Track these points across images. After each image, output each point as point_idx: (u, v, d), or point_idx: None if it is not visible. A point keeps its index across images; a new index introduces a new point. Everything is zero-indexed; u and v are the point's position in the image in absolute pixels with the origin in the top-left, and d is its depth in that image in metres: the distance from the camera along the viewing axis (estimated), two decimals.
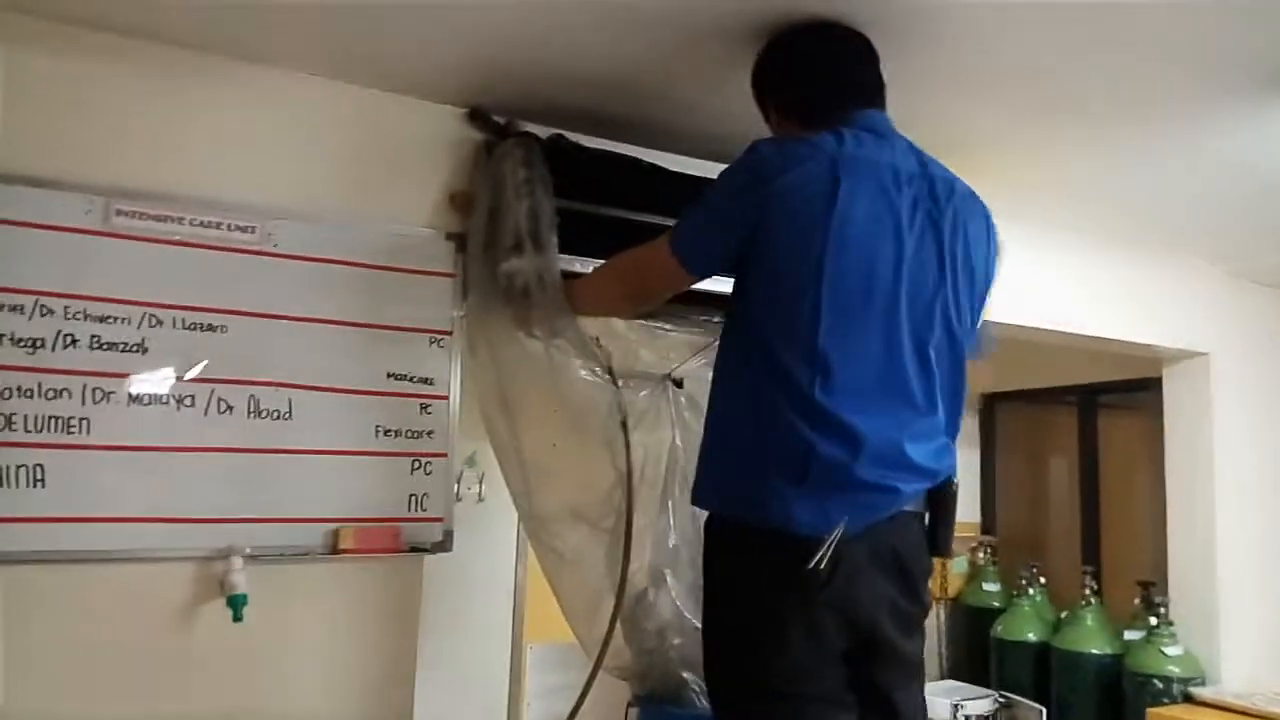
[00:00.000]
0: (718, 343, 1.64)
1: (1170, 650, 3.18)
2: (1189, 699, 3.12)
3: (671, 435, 2.00)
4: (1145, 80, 1.91)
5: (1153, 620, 3.28)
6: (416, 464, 2.01)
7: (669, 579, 1.90)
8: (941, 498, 1.54)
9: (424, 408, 2.03)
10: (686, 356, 2.08)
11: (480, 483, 2.62)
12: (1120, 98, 2.01)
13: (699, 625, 1.84)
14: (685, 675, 1.81)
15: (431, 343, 2.05)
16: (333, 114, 2.01)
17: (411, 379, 2.02)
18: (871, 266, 1.43)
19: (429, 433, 2.02)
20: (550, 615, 2.23)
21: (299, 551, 1.87)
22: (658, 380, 2.05)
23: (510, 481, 2.06)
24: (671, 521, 1.95)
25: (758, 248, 1.47)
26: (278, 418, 1.89)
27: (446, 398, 2.05)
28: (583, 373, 1.96)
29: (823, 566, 1.38)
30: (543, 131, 2.09)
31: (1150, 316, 3.26)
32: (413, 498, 2.00)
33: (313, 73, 1.97)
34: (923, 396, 1.47)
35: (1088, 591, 3.53)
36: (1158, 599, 3.34)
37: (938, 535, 1.55)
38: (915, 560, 1.52)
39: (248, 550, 1.81)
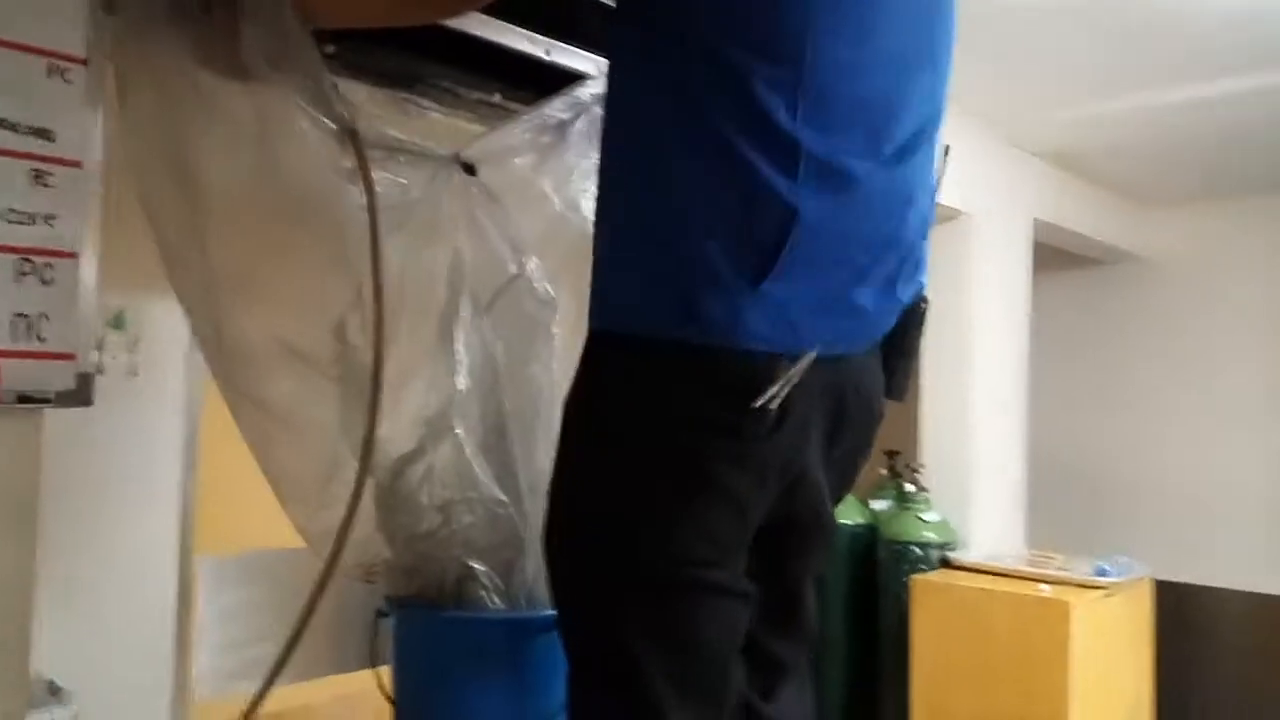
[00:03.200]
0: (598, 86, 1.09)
1: (928, 517, 3.09)
2: (946, 564, 3.05)
3: (455, 240, 1.38)
4: None
5: (907, 488, 3.19)
6: (25, 266, 1.24)
7: (459, 432, 1.31)
8: (917, 315, 1.10)
9: (38, 176, 1.25)
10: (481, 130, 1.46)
11: (133, 350, 1.86)
12: None
13: (500, 496, 1.31)
14: (475, 566, 1.26)
15: (52, 73, 1.27)
16: None
17: (16, 128, 1.24)
18: None
19: (48, 217, 1.26)
20: (229, 518, 1.77)
21: None
22: (436, 161, 1.40)
23: (188, 300, 1.39)
24: (458, 357, 1.34)
25: None
26: None
27: (79, 163, 1.29)
28: (311, 135, 1.29)
29: (774, 406, 0.91)
30: None
31: None
32: (20, 321, 1.24)
33: None
34: (918, 145, 1.03)
35: None
36: (908, 467, 3.26)
37: (899, 369, 1.10)
38: (873, 406, 1.09)
39: None
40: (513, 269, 1.36)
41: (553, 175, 1.43)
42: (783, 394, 0.91)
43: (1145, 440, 4.14)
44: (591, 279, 1.03)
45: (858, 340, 1.03)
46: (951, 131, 3.13)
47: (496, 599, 1.25)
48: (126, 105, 1.33)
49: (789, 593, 1.11)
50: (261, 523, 1.48)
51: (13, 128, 1.23)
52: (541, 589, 1.30)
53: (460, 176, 1.39)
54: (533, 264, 1.46)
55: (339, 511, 1.32)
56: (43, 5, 1.26)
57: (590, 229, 1.06)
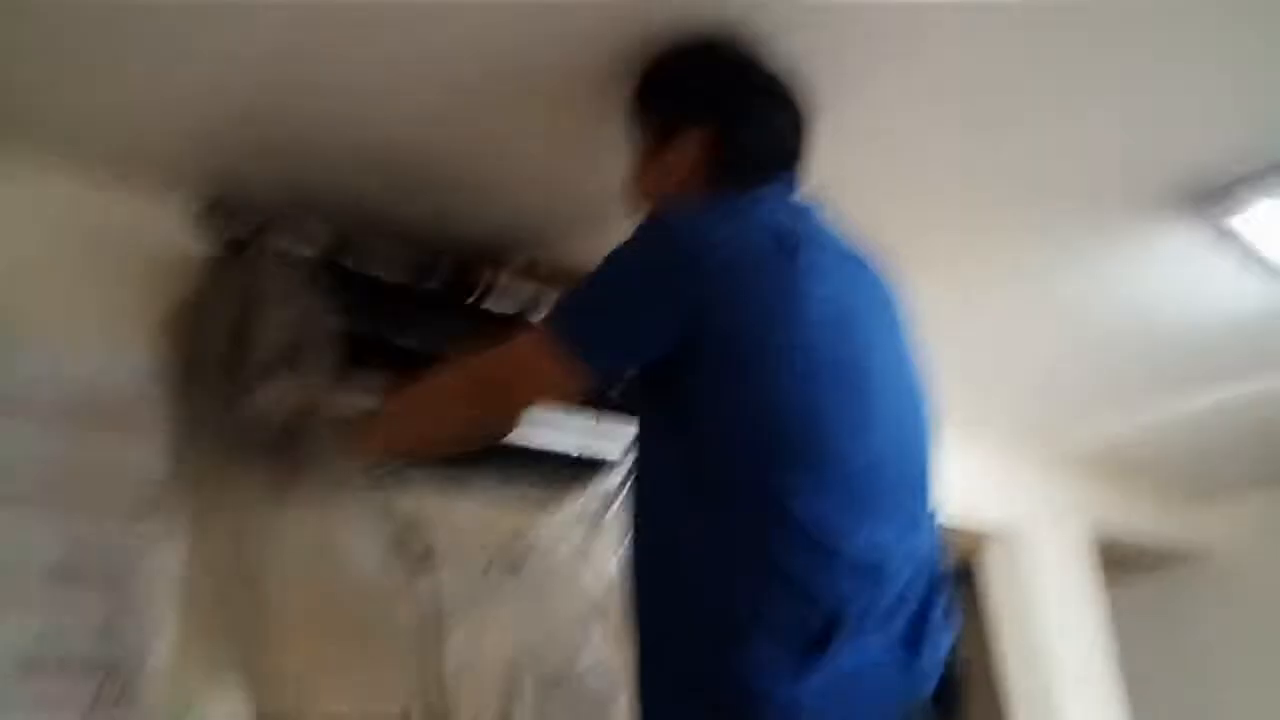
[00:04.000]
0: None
1: None
2: None
3: (512, 633, 1.41)
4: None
5: None
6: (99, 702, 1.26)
7: None
8: (952, 664, 1.11)
9: (112, 620, 1.30)
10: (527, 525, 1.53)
11: None
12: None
13: None
14: None
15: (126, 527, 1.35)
16: None
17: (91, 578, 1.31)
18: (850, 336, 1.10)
19: (114, 651, 1.29)
20: None
21: None
22: (486, 561, 1.46)
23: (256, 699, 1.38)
24: None
25: (707, 333, 1.04)
26: None
27: (152, 606, 1.34)
28: (371, 551, 1.36)
29: None
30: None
31: (968, 497, 3.03)
32: None
33: None
34: (921, 506, 1.14)
35: None
36: None
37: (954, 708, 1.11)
38: None
39: None
40: (570, 656, 1.38)
41: (592, 564, 1.49)
42: None
43: None
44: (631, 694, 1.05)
45: (907, 700, 1.03)
46: (993, 449, 3.12)
47: None
48: (204, 538, 1.40)
49: None
50: None
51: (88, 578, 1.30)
52: None
53: (500, 576, 1.44)
54: (591, 647, 1.47)
55: None
56: (119, 461, 1.37)
57: None
